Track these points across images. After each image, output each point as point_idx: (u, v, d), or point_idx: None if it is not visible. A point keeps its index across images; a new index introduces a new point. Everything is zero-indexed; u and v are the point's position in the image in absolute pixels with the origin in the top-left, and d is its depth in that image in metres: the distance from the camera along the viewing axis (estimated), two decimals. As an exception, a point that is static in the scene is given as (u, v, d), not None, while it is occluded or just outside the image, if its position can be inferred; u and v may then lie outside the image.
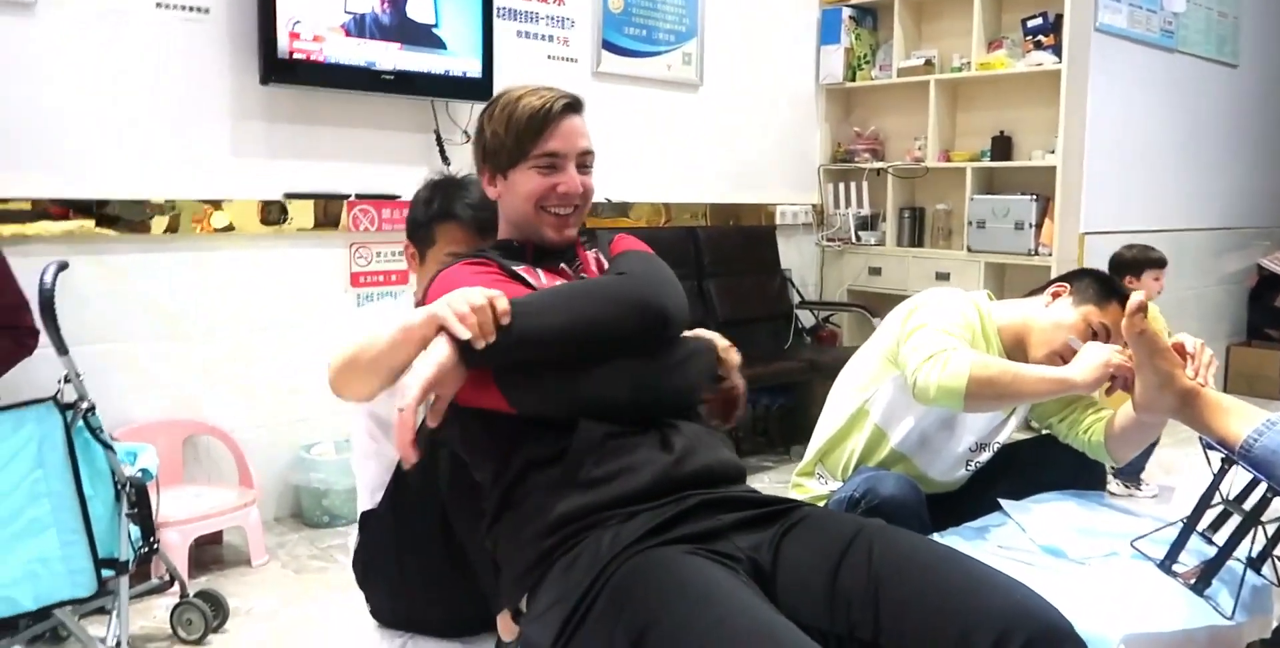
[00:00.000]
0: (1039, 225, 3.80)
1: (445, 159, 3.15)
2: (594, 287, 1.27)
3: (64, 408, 1.77)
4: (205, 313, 2.78)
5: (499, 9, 3.28)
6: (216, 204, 2.76)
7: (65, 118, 2.52)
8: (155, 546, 1.97)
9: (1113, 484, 2.85)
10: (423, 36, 3.04)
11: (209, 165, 2.77)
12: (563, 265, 1.36)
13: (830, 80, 4.40)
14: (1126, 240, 3.37)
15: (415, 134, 3.15)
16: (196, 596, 2.14)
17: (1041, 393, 1.55)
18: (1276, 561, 1.46)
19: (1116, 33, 4.03)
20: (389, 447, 1.58)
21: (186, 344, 2.75)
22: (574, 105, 1.35)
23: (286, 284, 2.93)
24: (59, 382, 1.84)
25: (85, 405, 1.80)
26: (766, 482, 3.36)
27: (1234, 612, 1.35)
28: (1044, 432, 1.86)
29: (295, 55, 2.78)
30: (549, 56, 3.51)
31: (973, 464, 1.82)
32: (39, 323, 2.10)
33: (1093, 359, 1.53)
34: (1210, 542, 1.47)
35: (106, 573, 1.82)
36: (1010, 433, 1.84)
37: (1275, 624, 1.45)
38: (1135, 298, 1.48)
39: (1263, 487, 1.40)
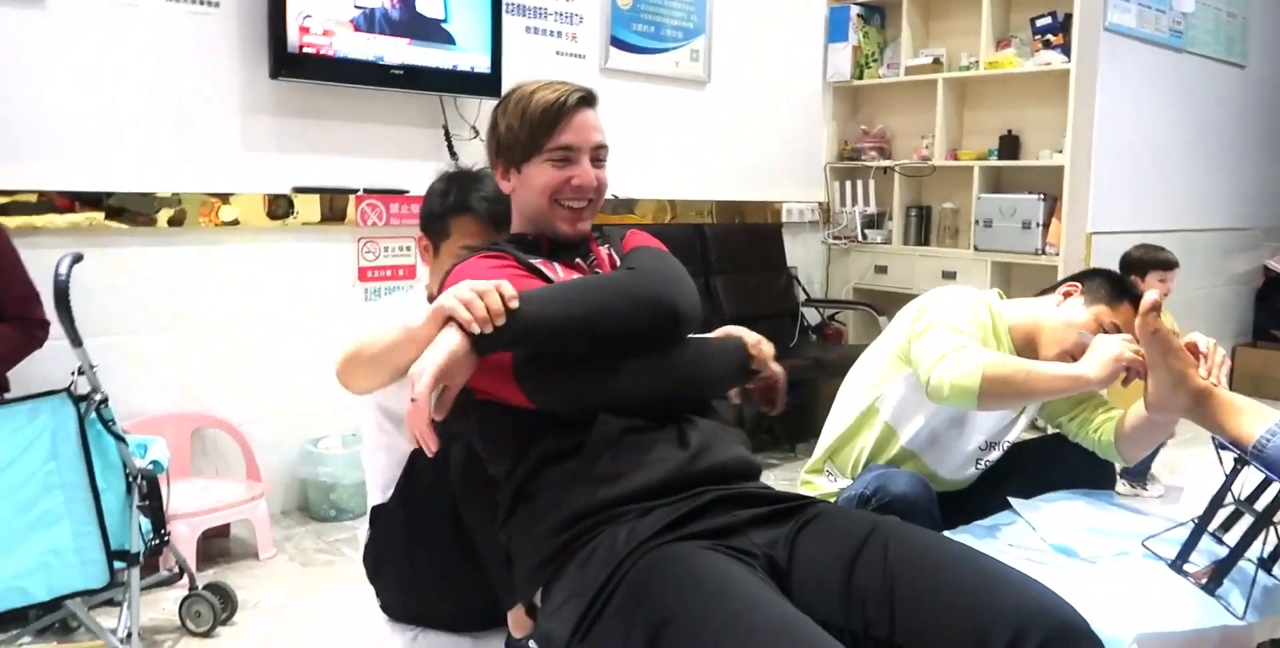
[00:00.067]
0: (1046, 225, 3.80)
1: (454, 154, 3.15)
2: (605, 281, 1.27)
3: (78, 400, 1.78)
4: (213, 306, 2.78)
5: (508, 5, 3.28)
6: (224, 198, 2.76)
7: (74, 111, 2.52)
8: (166, 538, 1.97)
9: (1119, 484, 2.85)
10: (432, 32, 3.04)
11: (218, 159, 2.77)
12: (578, 260, 1.36)
13: (838, 78, 4.40)
14: (1134, 240, 3.37)
15: (424, 129, 3.15)
16: (205, 588, 2.15)
17: (1055, 391, 1.55)
18: (1288, 561, 1.46)
19: (1126, 32, 4.02)
20: (399, 440, 1.59)
21: (193, 337, 2.75)
22: (588, 99, 1.35)
23: (293, 278, 2.93)
24: (72, 373, 1.84)
25: (99, 397, 1.81)
26: (772, 479, 3.36)
27: (1245, 612, 1.36)
28: (1053, 431, 1.86)
29: (305, 49, 2.78)
30: (557, 52, 3.51)
31: (982, 463, 1.82)
32: (49, 315, 2.11)
33: (1104, 355, 1.52)
34: (1221, 542, 1.47)
35: (118, 565, 1.82)
36: (1020, 432, 1.84)
37: (1286, 625, 1.46)
38: (1149, 297, 1.48)
39: (1275, 487, 1.40)
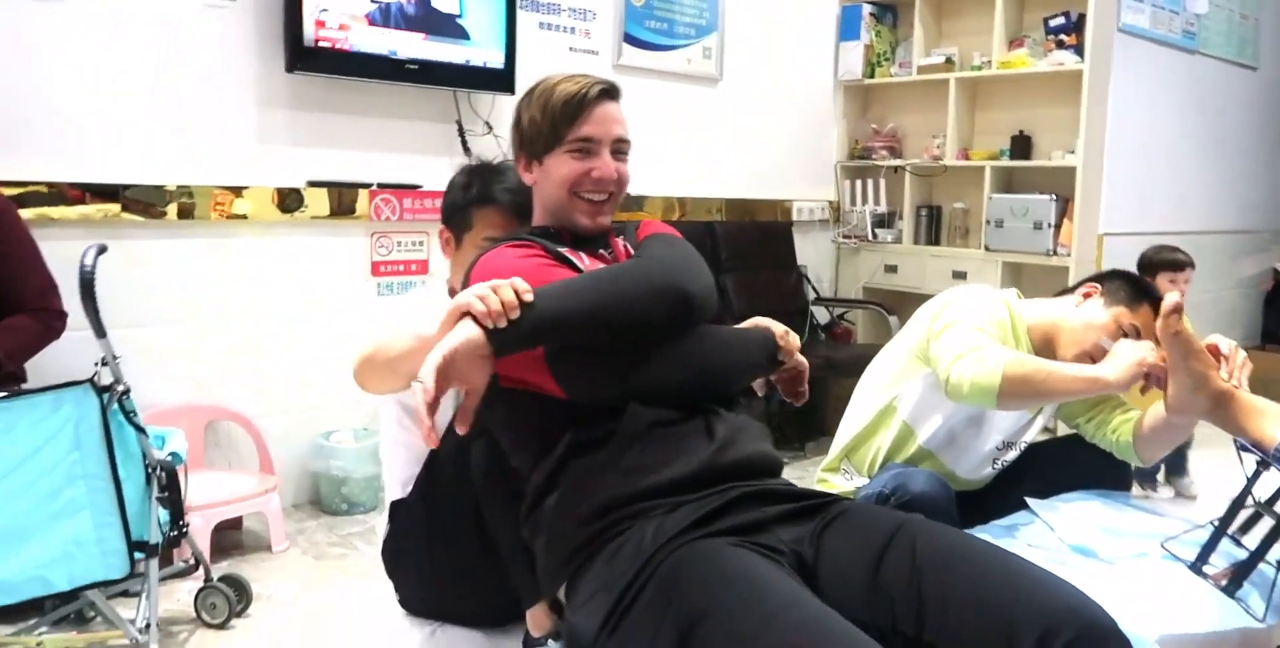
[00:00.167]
0: (1058, 226, 3.79)
1: (467, 150, 3.15)
2: (616, 271, 1.26)
3: (100, 390, 1.78)
4: (226, 299, 2.79)
5: (522, 0, 3.28)
6: (237, 191, 2.77)
7: (89, 103, 2.53)
8: (185, 530, 1.98)
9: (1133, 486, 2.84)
10: (447, 27, 3.04)
11: (233, 152, 2.77)
12: (601, 251, 1.36)
13: (849, 77, 4.40)
14: (1145, 242, 3.36)
15: (437, 124, 3.16)
16: (220, 580, 2.15)
17: (1075, 391, 1.55)
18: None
19: (1139, 33, 4.02)
20: (419, 437, 1.59)
21: (206, 330, 2.76)
22: (610, 92, 1.35)
23: (305, 272, 2.94)
24: (95, 364, 1.84)
25: (121, 388, 1.81)
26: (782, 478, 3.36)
27: (1266, 614, 1.36)
28: (1066, 432, 1.86)
29: (320, 43, 2.78)
30: (570, 48, 3.51)
31: (999, 463, 1.83)
32: (66, 306, 2.12)
33: (1126, 358, 1.52)
34: (1240, 545, 1.48)
35: (137, 556, 1.83)
36: (1037, 432, 1.84)
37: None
38: (1170, 299, 1.48)
39: (1296, 490, 1.41)
